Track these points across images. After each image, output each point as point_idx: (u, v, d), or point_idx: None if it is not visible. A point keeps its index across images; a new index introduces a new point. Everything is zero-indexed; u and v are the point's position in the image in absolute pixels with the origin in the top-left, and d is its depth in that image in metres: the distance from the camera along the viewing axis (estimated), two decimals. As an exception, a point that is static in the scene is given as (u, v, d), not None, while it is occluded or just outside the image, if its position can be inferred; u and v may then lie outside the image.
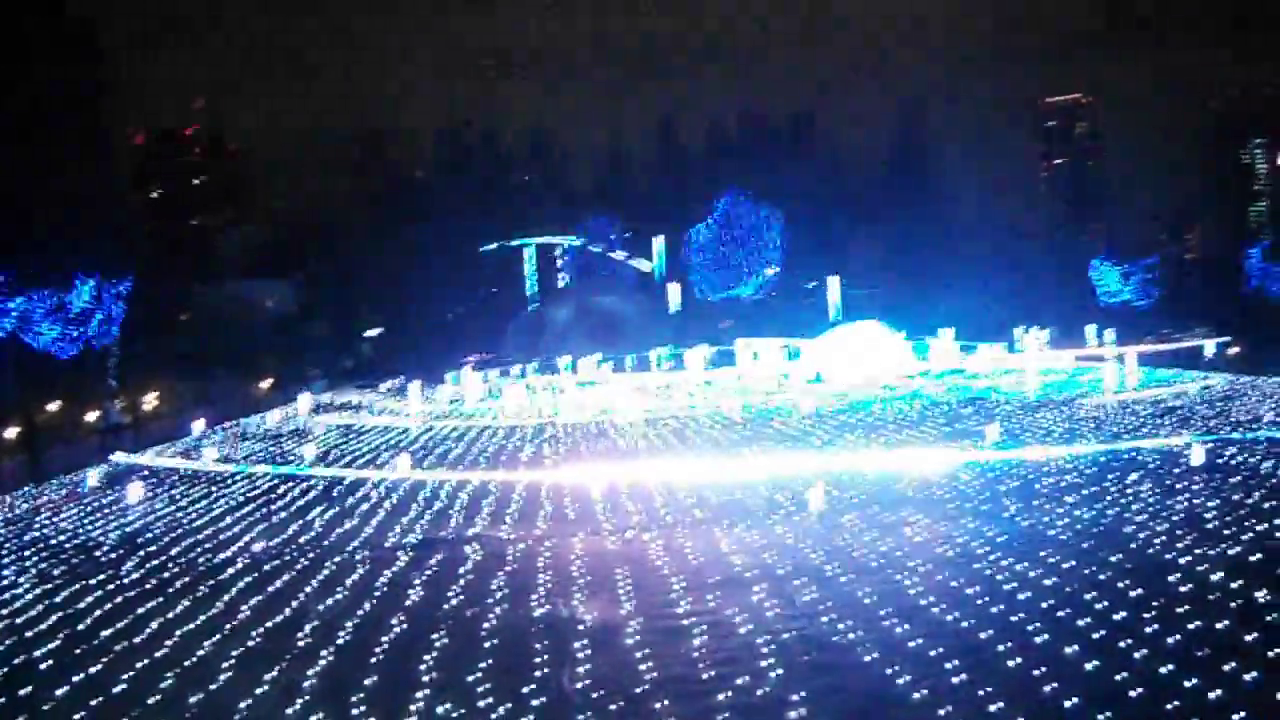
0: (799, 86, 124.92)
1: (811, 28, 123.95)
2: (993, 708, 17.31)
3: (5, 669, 22.10)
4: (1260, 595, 22.18)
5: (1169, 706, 16.96)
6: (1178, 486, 34.19)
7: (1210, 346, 76.36)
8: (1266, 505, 30.70)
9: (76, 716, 19.06)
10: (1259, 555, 25.54)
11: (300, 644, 22.52)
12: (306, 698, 19.23)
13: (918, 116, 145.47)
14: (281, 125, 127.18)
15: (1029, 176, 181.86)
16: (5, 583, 29.85)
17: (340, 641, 22.64)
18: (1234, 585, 23.15)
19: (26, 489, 48.06)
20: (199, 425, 66.31)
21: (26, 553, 34.07)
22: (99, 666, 21.76)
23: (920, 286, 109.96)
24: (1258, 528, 28.12)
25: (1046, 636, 20.54)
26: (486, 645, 22.02)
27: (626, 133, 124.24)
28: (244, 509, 40.42)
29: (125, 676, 21.00)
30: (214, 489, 45.34)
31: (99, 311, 78.81)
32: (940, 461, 41.25)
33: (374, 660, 21.36)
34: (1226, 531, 27.99)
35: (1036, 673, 18.63)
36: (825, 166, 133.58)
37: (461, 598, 25.92)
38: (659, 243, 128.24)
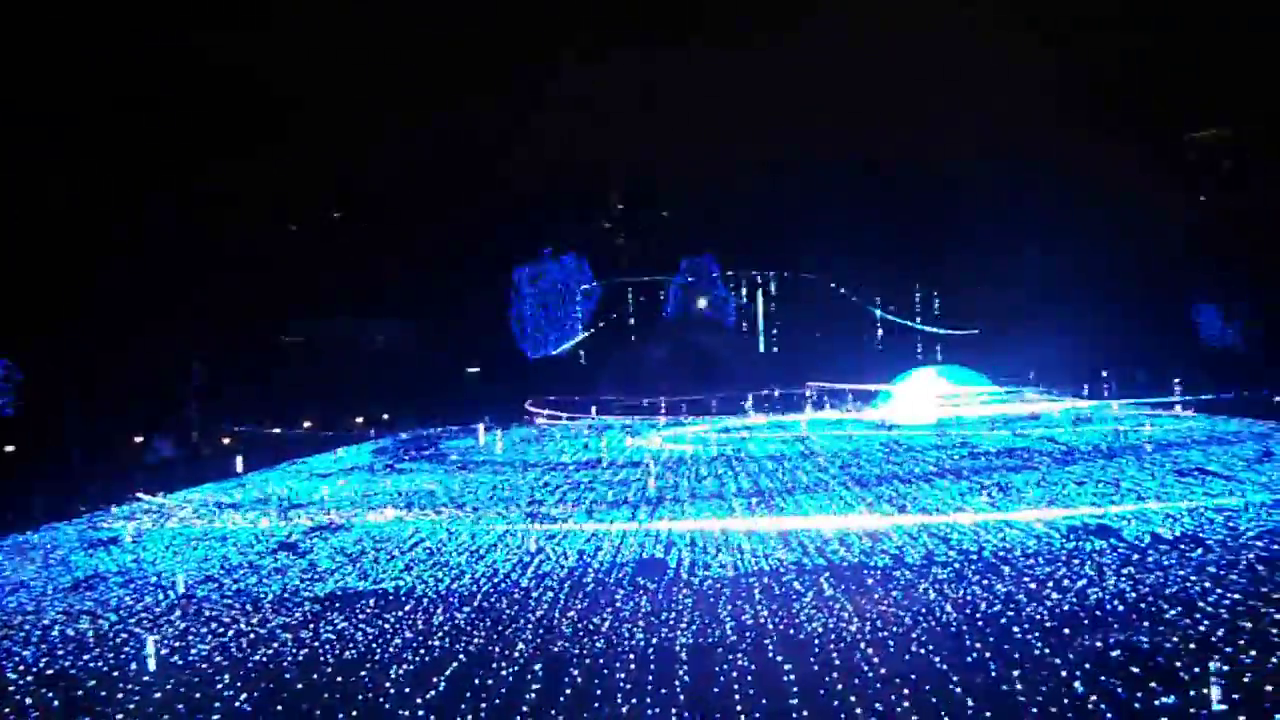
0: (910, 123, 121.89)
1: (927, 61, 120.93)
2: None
3: None
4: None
5: None
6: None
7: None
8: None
9: None
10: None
11: None
12: None
13: (1037, 149, 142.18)
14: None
15: (1162, 215, 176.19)
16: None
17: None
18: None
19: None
20: (239, 461, 66.90)
21: None
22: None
23: (1018, 329, 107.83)
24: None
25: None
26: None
27: (729, 172, 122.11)
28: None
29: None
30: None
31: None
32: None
33: None
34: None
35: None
36: (935, 206, 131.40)
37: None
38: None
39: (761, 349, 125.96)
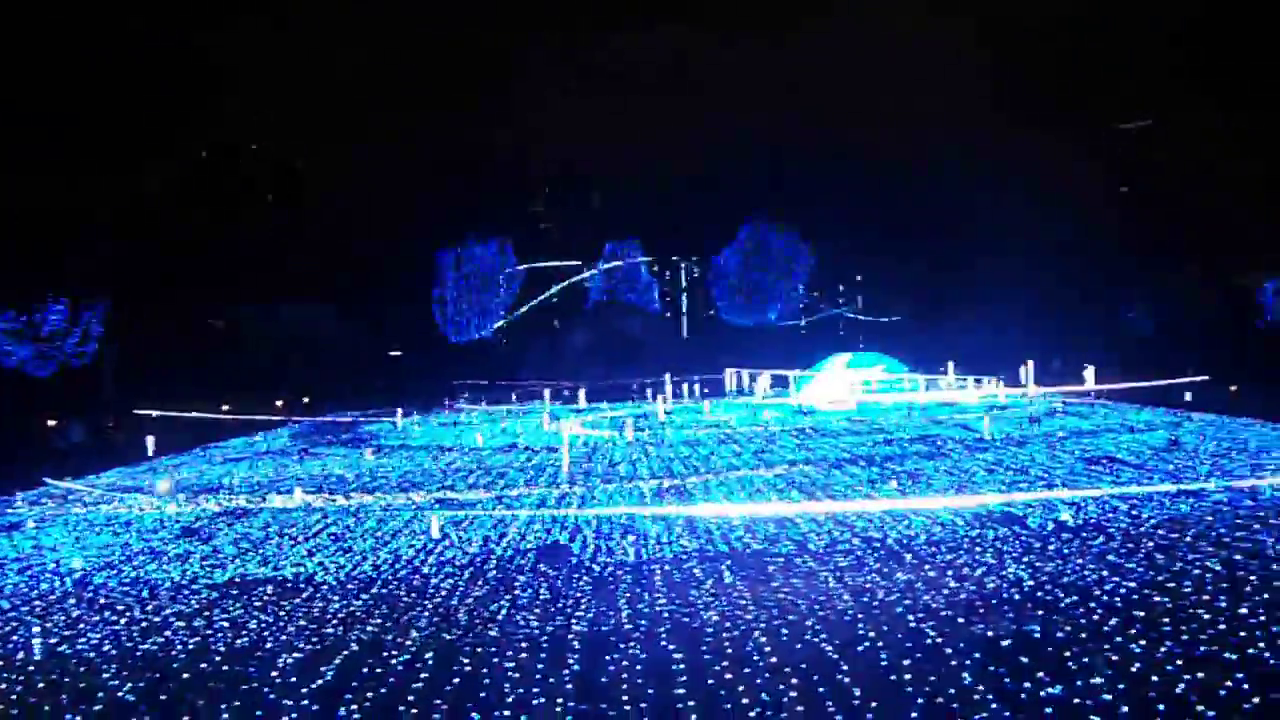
0: (833, 104, 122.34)
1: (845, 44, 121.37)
2: None
3: None
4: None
5: None
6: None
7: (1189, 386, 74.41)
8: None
9: None
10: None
11: None
12: None
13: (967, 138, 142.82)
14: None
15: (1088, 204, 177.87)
16: None
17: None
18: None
19: None
20: (150, 443, 65.97)
21: None
22: None
23: (945, 317, 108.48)
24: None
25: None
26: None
27: (650, 154, 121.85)
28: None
29: None
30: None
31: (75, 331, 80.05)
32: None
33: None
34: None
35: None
36: (859, 190, 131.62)
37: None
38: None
39: (684, 334, 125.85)
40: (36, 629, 26.39)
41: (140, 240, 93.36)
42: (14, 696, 21.86)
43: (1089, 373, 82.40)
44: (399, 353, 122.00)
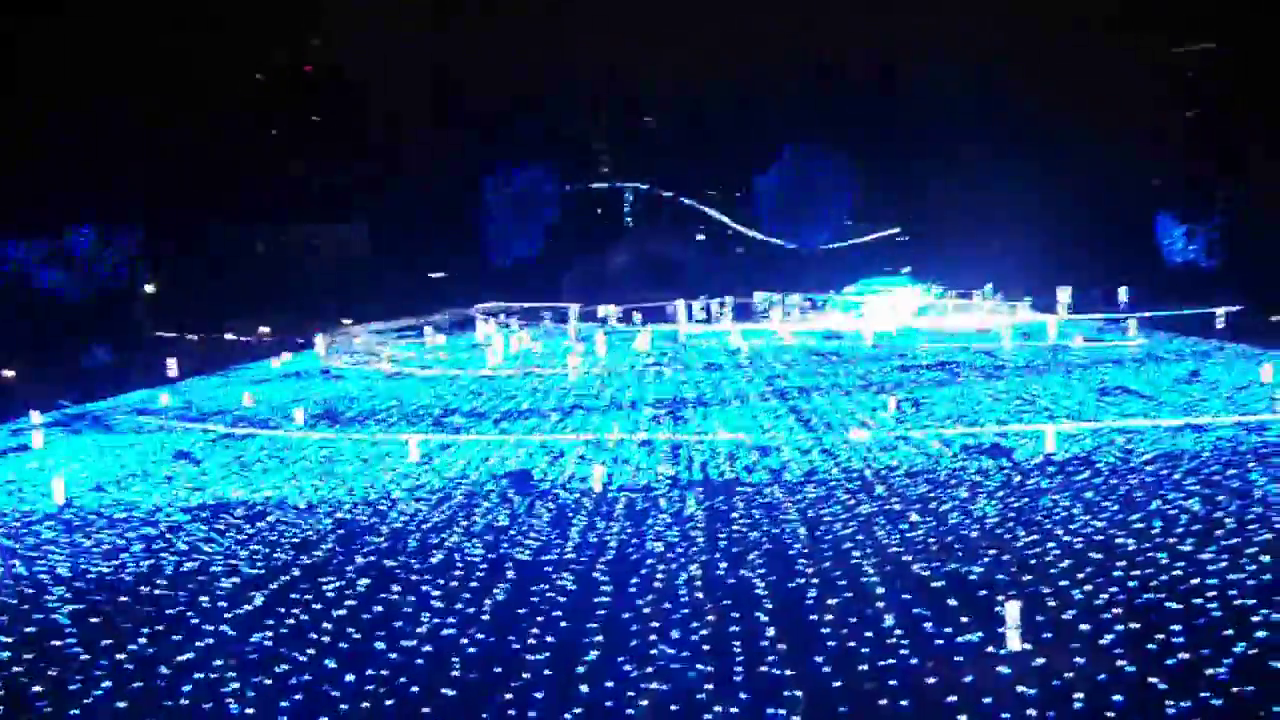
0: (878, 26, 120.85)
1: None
2: None
3: None
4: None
5: None
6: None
7: (1220, 315, 72.91)
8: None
9: None
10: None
11: None
12: None
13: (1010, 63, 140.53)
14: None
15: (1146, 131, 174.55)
16: None
17: None
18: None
19: None
20: (172, 364, 66.52)
21: None
22: None
23: (983, 243, 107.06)
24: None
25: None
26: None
27: (695, 76, 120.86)
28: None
29: None
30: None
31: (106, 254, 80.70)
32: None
33: None
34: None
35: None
36: (905, 114, 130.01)
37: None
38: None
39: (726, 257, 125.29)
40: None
41: (176, 162, 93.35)
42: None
43: (1121, 297, 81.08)
44: (441, 274, 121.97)
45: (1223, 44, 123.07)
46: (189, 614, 21.74)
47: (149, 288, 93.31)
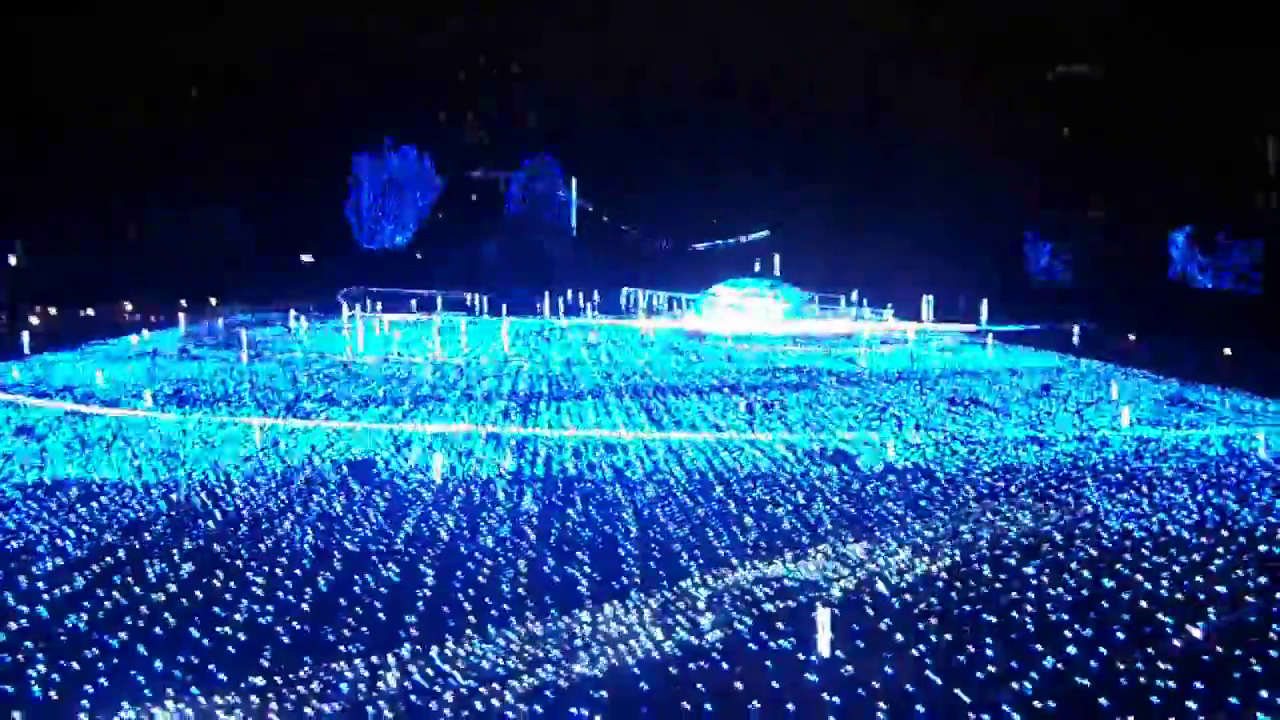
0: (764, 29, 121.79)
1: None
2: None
3: None
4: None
5: None
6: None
7: (1076, 331, 74.82)
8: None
9: None
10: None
11: None
12: None
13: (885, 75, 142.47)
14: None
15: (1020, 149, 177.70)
16: None
17: None
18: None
19: None
20: (25, 339, 65.21)
21: None
22: None
23: (855, 251, 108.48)
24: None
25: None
26: None
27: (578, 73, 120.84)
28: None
29: None
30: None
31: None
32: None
33: None
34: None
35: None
36: (786, 120, 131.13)
37: None
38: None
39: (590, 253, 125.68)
40: None
41: (45, 144, 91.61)
42: None
43: (983, 310, 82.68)
44: (310, 258, 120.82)
45: (1095, 68, 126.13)
46: (3, 594, 21.36)
47: (11, 259, 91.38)
